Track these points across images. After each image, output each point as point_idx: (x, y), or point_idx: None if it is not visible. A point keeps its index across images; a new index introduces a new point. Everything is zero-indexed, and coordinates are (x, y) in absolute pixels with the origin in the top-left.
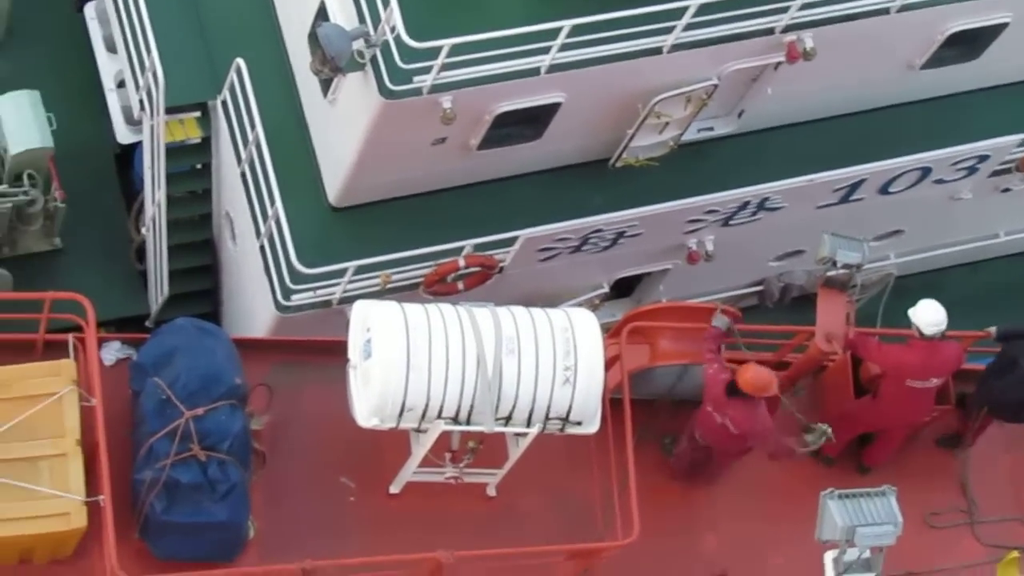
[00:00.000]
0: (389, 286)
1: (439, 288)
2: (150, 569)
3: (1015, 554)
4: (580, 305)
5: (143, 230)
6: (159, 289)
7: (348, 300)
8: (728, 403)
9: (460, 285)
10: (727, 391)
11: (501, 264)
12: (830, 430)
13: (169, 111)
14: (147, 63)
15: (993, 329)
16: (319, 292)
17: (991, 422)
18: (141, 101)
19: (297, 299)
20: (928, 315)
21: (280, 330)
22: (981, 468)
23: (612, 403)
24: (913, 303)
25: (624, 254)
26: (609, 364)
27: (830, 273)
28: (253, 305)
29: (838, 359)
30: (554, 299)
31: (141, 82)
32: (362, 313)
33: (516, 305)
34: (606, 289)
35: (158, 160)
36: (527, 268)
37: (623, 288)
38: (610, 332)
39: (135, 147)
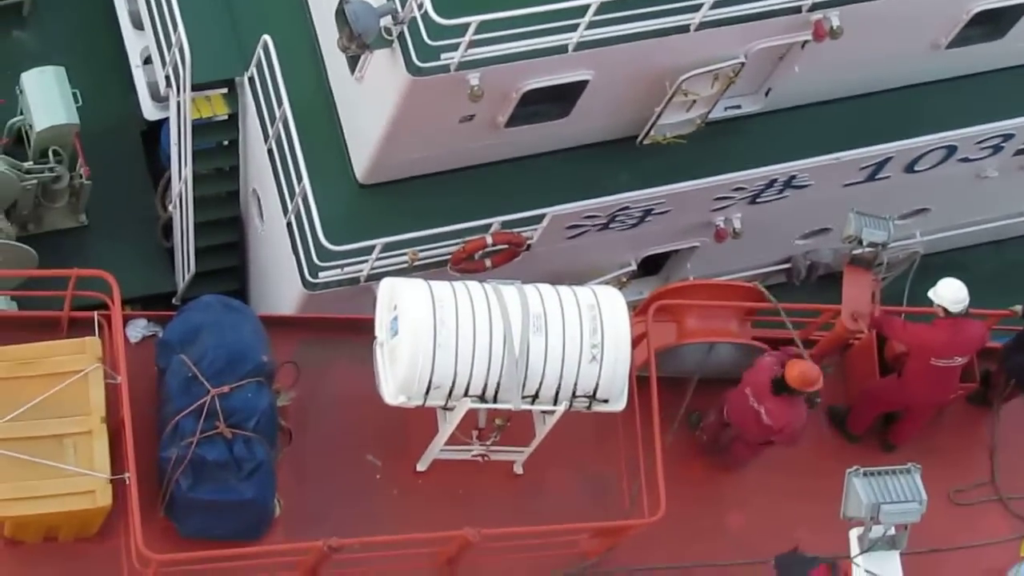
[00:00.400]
0: (416, 263)
1: (466, 266)
2: (176, 547)
3: None
4: (607, 283)
5: (170, 207)
6: (186, 266)
7: (375, 277)
8: (768, 393)
9: (488, 263)
10: (774, 386)
11: (529, 242)
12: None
13: (196, 88)
14: (174, 39)
15: (1019, 308)
16: (346, 269)
17: (1017, 395)
18: (168, 77)
19: (324, 276)
20: (951, 292)
21: (307, 307)
22: (1007, 446)
23: (639, 381)
24: (938, 281)
25: (652, 232)
26: (636, 342)
27: (856, 252)
28: (280, 282)
29: (864, 337)
30: (582, 277)
31: (168, 58)
32: (389, 290)
33: (543, 283)
34: (634, 267)
35: (185, 137)
36: (555, 246)
37: (651, 266)
38: (637, 310)
39: (162, 124)
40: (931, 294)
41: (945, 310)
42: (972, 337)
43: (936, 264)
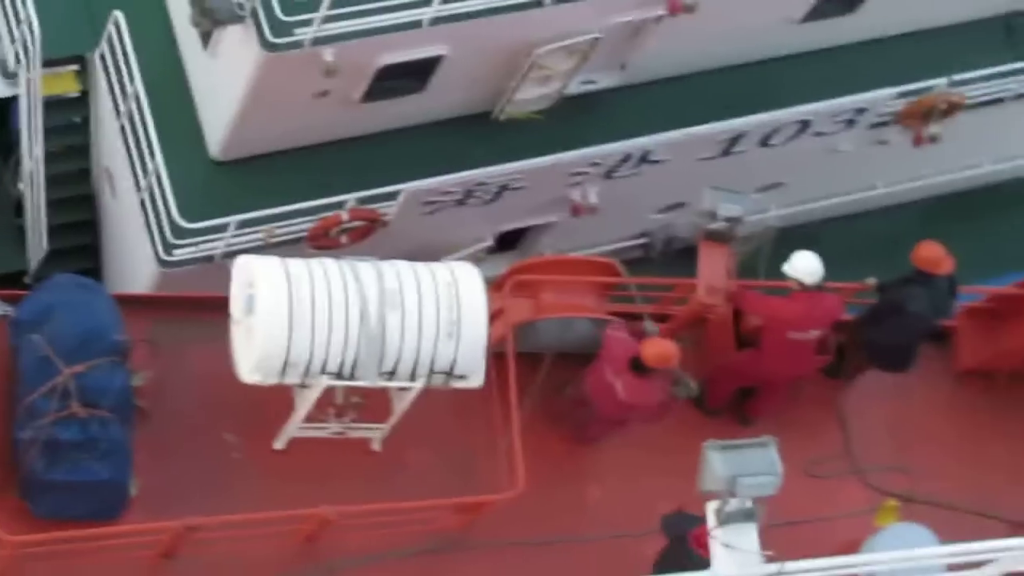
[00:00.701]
0: (272, 241)
1: (323, 242)
2: (31, 529)
3: (893, 502)
4: (464, 258)
5: (20, 185)
6: (38, 245)
7: (231, 255)
8: (624, 368)
9: (344, 239)
10: (632, 365)
11: (385, 218)
12: (694, 385)
13: (46, 64)
14: (23, 15)
15: (873, 280)
16: (201, 247)
17: (871, 367)
18: (17, 54)
19: (179, 254)
20: (806, 265)
21: (162, 285)
22: (861, 418)
23: (496, 357)
24: (793, 254)
25: (508, 207)
26: (493, 318)
27: (711, 226)
28: (134, 260)
29: (720, 312)
30: (439, 252)
31: (17, 35)
32: (244, 268)
33: (400, 259)
34: (490, 242)
35: (35, 114)
36: (411, 222)
37: (508, 241)
38: (494, 286)
39: (12, 101)
40: (786, 267)
41: (800, 283)
42: (827, 310)
43: (791, 238)
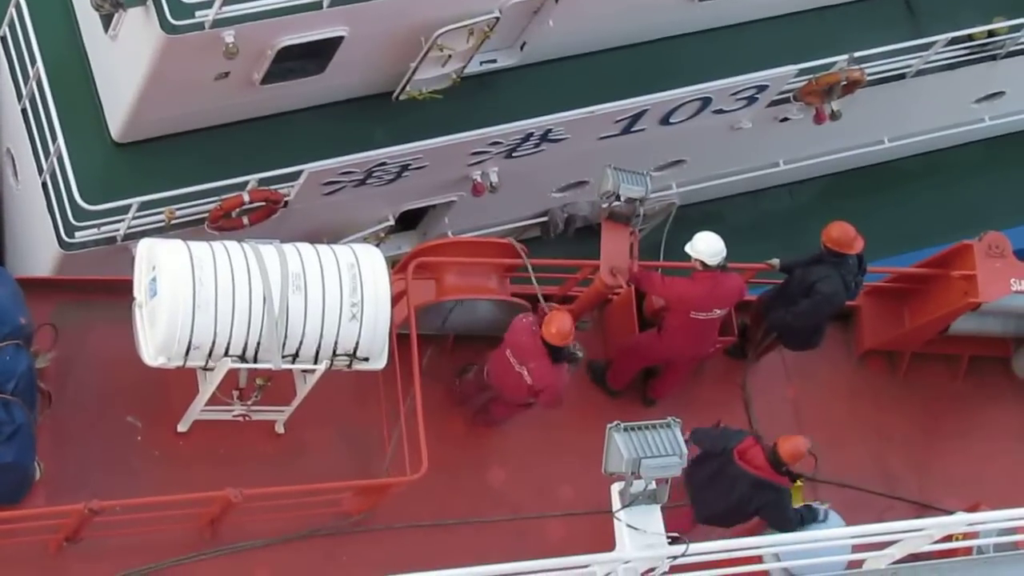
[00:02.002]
0: (174, 222)
1: (224, 223)
2: None
3: (798, 482)
4: (366, 239)
5: None
6: None
7: (133, 236)
8: (534, 355)
9: (245, 220)
10: (551, 354)
11: (286, 198)
12: (580, 353)
13: None
14: None
15: (776, 261)
16: (103, 229)
17: (774, 347)
18: None
19: (81, 236)
20: (708, 245)
21: (64, 268)
22: (764, 397)
23: (399, 339)
24: (695, 232)
25: (409, 187)
26: (396, 300)
27: (613, 206)
28: (37, 243)
29: (622, 292)
30: (340, 232)
31: None
32: (147, 251)
33: (302, 239)
34: (392, 222)
35: None
36: (312, 202)
37: (409, 220)
38: (396, 267)
39: None
40: (688, 248)
41: (703, 263)
42: (730, 290)
43: (693, 216)
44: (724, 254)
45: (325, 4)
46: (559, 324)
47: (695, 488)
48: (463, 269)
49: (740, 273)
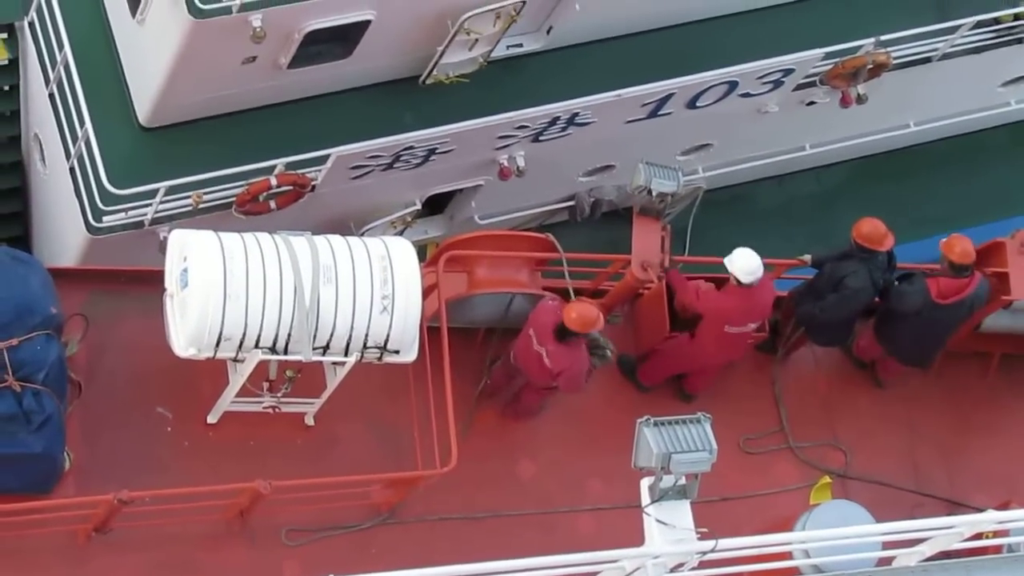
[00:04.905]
0: (201, 206)
1: (251, 207)
2: None
3: (827, 479)
4: (393, 223)
5: None
6: None
7: (160, 221)
8: (551, 336)
9: (272, 204)
10: (557, 332)
11: (313, 182)
12: (611, 350)
13: None
14: None
15: (808, 256)
16: (130, 213)
17: (804, 343)
18: None
19: (108, 220)
20: (745, 263)
21: (91, 252)
22: (795, 394)
23: (430, 331)
24: (723, 216)
25: (436, 171)
26: (427, 292)
27: (645, 202)
28: (64, 227)
29: (653, 287)
30: (367, 217)
31: None
32: (179, 242)
33: (330, 224)
34: (419, 206)
35: None
36: (339, 186)
37: (436, 205)
38: (427, 260)
39: None
40: (726, 262)
41: (737, 280)
42: (764, 304)
43: (720, 199)
44: (760, 273)
45: None
46: (580, 310)
47: None
48: (495, 262)
49: (771, 270)
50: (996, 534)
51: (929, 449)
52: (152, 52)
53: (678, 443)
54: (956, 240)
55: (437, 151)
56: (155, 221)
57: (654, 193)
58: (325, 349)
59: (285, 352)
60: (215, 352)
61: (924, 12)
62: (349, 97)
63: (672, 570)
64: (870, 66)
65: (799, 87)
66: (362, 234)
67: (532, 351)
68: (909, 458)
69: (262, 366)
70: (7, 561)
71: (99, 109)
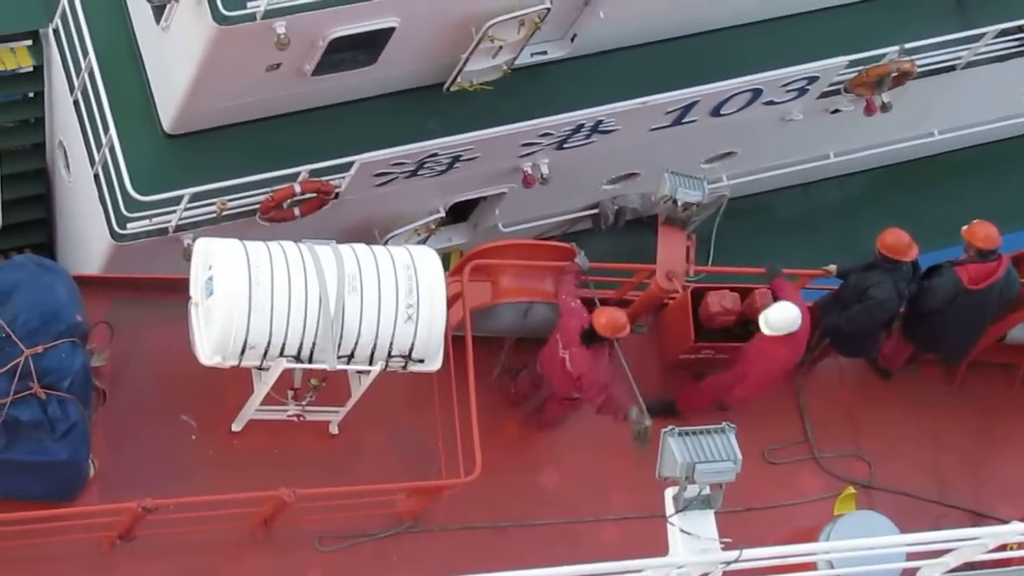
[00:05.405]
0: (225, 213)
1: (275, 214)
2: None
3: (851, 489)
4: (417, 230)
5: None
6: None
7: (184, 228)
8: (576, 340)
9: (296, 211)
10: (582, 337)
11: (337, 190)
12: (648, 424)
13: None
14: None
15: (833, 267)
16: (155, 220)
17: (829, 354)
18: None
19: (132, 227)
20: (781, 319)
21: (116, 259)
22: (819, 404)
23: (454, 340)
24: (747, 225)
25: (460, 178)
26: (452, 302)
27: (670, 212)
28: (88, 234)
29: (678, 297)
30: (391, 224)
31: None
32: (204, 250)
33: (353, 231)
34: (442, 213)
35: None
36: (363, 193)
37: (460, 212)
38: (452, 269)
39: None
40: (762, 323)
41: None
42: (805, 338)
43: (743, 208)
44: (798, 325)
45: None
46: (609, 315)
47: None
48: (519, 272)
49: (796, 280)
50: (1021, 546)
51: (954, 460)
52: (176, 59)
53: (702, 453)
54: (979, 226)
55: (461, 158)
56: (179, 228)
57: (679, 203)
58: (350, 358)
59: (310, 361)
60: (240, 360)
61: (948, 20)
62: (373, 104)
63: None
64: (895, 74)
65: (823, 95)
66: (386, 241)
67: (557, 356)
68: (934, 469)
69: (287, 374)
70: (32, 568)
71: (123, 116)
